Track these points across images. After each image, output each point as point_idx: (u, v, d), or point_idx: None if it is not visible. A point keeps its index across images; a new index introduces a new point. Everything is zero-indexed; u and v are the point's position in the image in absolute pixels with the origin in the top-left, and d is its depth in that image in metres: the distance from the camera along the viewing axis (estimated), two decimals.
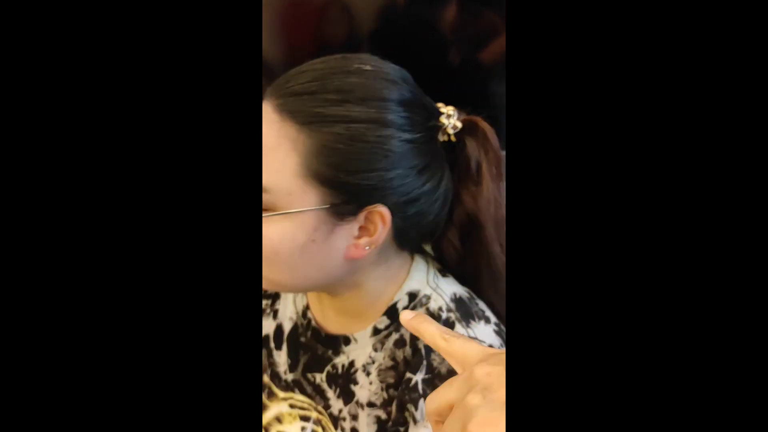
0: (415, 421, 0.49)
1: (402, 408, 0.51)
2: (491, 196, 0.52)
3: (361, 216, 0.47)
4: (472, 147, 0.51)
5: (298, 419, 0.61)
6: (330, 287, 0.52)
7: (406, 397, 0.50)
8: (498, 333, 0.53)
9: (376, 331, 0.55)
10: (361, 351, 0.55)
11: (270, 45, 0.75)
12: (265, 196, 0.45)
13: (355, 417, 0.55)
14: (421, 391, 0.50)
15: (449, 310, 0.53)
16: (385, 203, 0.47)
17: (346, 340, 0.56)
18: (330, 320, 0.59)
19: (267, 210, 0.46)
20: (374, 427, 0.54)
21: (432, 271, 0.57)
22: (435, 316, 0.53)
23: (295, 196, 0.45)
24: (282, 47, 0.75)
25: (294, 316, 0.63)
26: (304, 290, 0.51)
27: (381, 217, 0.47)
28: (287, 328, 0.63)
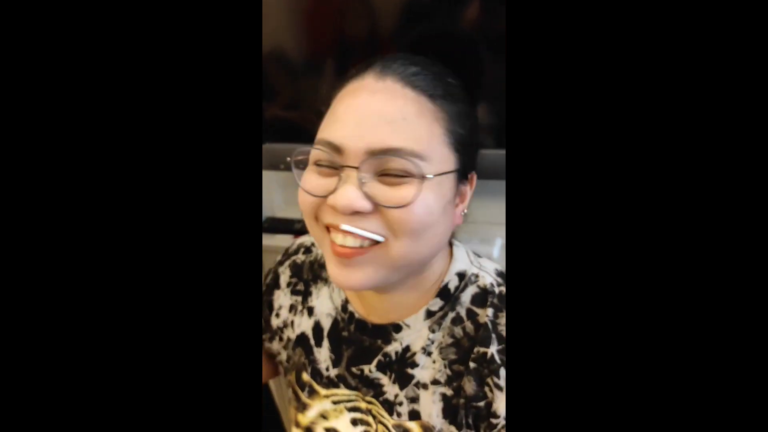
0: (500, 389, 0.52)
1: (482, 383, 0.53)
2: None
3: (466, 181, 0.54)
4: None
5: (345, 412, 0.62)
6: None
7: (485, 370, 0.53)
8: None
9: (429, 314, 0.57)
10: (416, 335, 0.57)
11: (291, 40, 0.75)
12: (421, 164, 0.47)
13: (414, 399, 0.57)
14: (498, 361, 0.52)
15: (499, 284, 0.56)
16: None
17: (397, 328, 0.58)
18: (376, 312, 0.60)
19: (416, 176, 0.47)
20: (440, 404, 0.55)
21: (470, 252, 0.60)
22: (488, 291, 0.56)
23: (445, 162, 0.50)
24: (304, 42, 0.76)
25: (333, 312, 0.64)
26: (420, 266, 0.54)
27: (472, 182, 0.55)
28: (326, 324, 0.64)
